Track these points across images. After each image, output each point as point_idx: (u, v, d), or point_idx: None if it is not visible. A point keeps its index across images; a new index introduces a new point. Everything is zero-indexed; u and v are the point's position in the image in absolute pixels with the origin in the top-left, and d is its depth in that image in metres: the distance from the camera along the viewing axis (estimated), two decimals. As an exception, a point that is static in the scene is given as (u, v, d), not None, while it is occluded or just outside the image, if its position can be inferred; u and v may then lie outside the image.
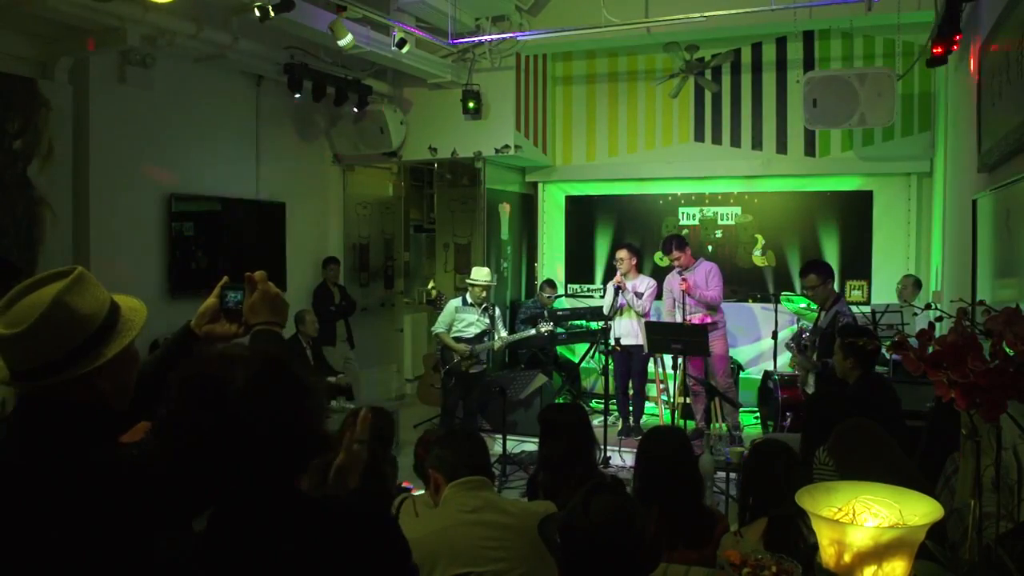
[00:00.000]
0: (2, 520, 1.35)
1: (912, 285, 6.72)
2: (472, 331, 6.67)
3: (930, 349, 1.44)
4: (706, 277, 6.75)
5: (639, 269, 7.24)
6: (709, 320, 6.66)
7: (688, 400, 6.85)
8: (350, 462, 1.61)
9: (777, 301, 6.79)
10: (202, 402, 1.23)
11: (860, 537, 1.35)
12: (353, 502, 1.52)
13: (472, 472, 2.42)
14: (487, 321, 6.76)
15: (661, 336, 6.27)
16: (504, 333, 6.91)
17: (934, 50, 4.54)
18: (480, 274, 6.72)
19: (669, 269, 7.65)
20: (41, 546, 1.34)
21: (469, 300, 6.72)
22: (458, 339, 6.64)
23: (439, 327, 6.76)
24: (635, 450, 3.39)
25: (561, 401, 7.44)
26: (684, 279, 6.67)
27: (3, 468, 1.39)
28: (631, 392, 7.19)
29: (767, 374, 6.80)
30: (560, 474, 2.93)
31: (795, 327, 6.91)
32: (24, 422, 1.42)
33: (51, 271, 1.48)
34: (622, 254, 6.97)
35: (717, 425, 6.55)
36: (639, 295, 6.97)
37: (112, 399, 1.47)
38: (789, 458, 2.79)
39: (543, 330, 6.80)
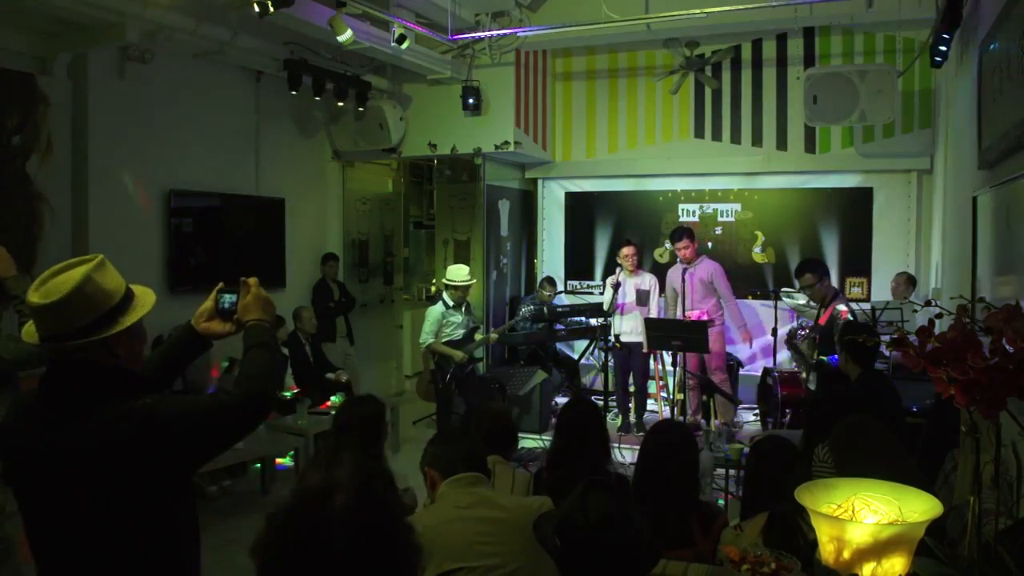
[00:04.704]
0: (45, 461, 1.65)
1: (906, 282, 6.70)
2: (460, 332, 6.45)
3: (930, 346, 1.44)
4: (711, 277, 6.75)
5: (639, 265, 7.25)
6: (707, 316, 6.67)
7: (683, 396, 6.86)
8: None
9: (777, 298, 6.78)
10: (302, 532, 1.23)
11: (859, 534, 1.35)
12: None
13: (468, 469, 2.43)
14: (471, 317, 6.60)
15: (660, 333, 6.27)
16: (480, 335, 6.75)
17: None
18: (459, 274, 6.39)
19: (669, 265, 7.66)
20: (79, 483, 1.63)
21: (450, 302, 6.40)
22: (448, 343, 6.40)
23: (427, 338, 6.36)
24: (635, 447, 3.39)
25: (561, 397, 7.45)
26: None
27: (40, 418, 1.68)
28: (632, 389, 7.19)
29: (767, 371, 6.80)
30: (564, 470, 2.92)
31: (794, 324, 6.91)
32: (56, 380, 1.71)
33: (77, 258, 1.74)
34: (629, 251, 6.96)
35: (714, 422, 6.55)
36: (644, 293, 6.97)
37: (125, 362, 1.76)
38: (790, 454, 2.79)
39: (524, 312, 6.81)
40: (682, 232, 6.89)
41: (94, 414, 1.65)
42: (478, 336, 6.64)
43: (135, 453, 1.63)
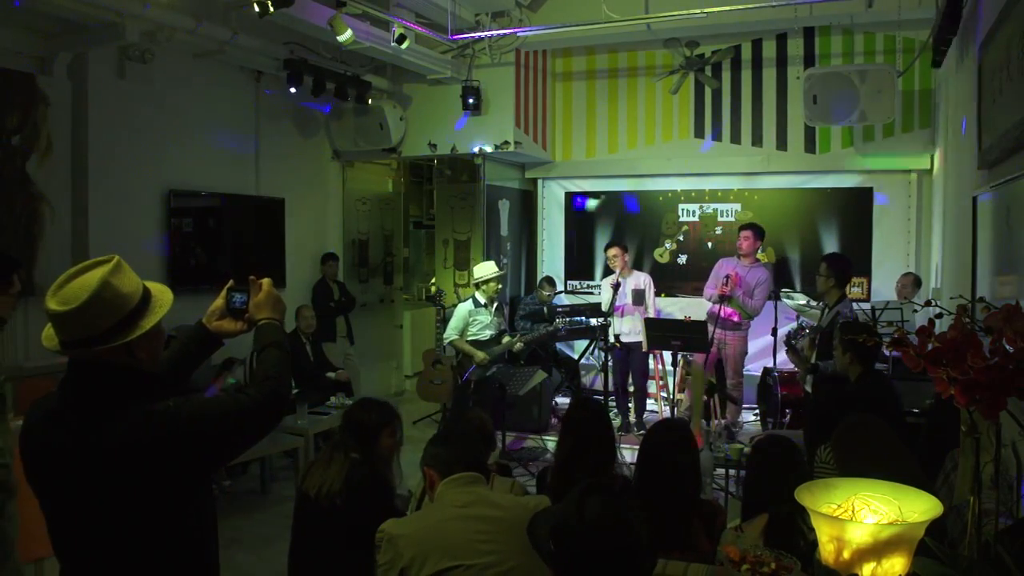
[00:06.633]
0: (69, 464, 1.65)
1: (912, 283, 6.71)
2: (487, 333, 6.33)
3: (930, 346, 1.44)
4: (755, 283, 6.62)
5: (638, 266, 7.23)
6: (737, 318, 6.62)
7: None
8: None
9: (777, 298, 6.78)
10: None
11: (859, 534, 1.35)
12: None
13: (466, 469, 2.44)
14: (500, 320, 6.48)
15: (660, 332, 6.27)
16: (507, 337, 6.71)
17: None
18: (486, 269, 6.33)
19: (669, 265, 7.68)
20: (103, 485, 1.64)
21: (481, 300, 6.32)
22: (473, 343, 6.30)
23: (451, 334, 6.30)
24: (635, 446, 3.38)
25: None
26: (727, 278, 6.50)
27: (62, 421, 1.68)
28: (631, 389, 7.19)
29: (767, 371, 6.80)
30: (568, 471, 2.91)
31: (795, 324, 6.90)
32: (77, 383, 1.70)
33: (92, 260, 1.72)
34: (613, 251, 6.94)
35: (715, 422, 6.55)
36: (640, 293, 6.96)
37: (146, 365, 1.75)
38: (792, 454, 2.78)
39: (559, 324, 6.74)
40: (751, 225, 6.87)
41: (117, 417, 1.65)
42: (505, 340, 6.52)
43: (159, 455, 1.65)
